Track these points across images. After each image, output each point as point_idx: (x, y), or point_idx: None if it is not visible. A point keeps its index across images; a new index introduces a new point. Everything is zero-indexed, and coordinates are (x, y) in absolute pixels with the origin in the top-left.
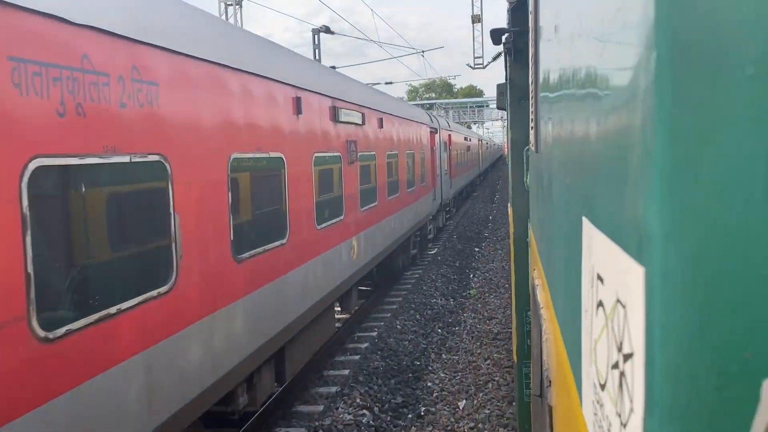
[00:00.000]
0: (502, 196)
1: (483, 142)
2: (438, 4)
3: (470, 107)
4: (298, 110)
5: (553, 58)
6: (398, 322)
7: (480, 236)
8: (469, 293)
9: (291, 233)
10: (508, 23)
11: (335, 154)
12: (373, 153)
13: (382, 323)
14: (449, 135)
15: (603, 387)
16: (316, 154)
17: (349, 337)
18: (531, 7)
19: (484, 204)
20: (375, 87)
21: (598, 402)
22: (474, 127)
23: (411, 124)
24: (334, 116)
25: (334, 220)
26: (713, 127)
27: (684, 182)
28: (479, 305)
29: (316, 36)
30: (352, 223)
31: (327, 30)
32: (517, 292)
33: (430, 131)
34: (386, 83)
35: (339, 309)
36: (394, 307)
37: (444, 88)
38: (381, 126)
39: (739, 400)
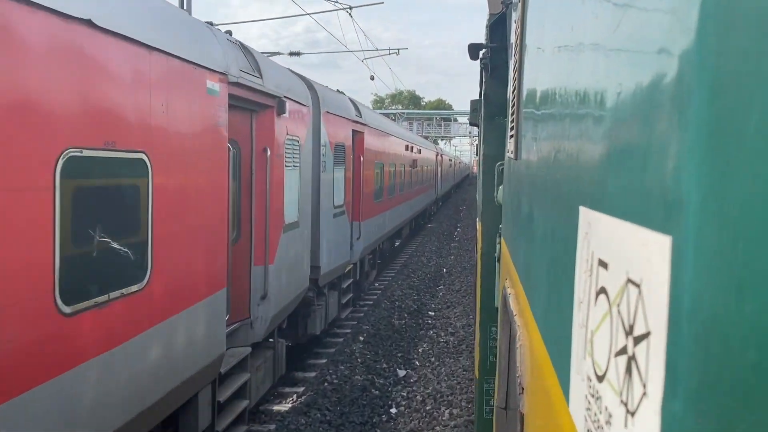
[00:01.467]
0: (466, 231)
1: (443, 157)
2: (412, 24)
3: (437, 119)
4: None
5: (547, 48)
6: None
7: (419, 324)
8: None
9: None
10: (486, 39)
11: None
12: None
13: None
14: (358, 133)
15: (601, 378)
16: None
17: None
18: (518, 14)
19: (438, 243)
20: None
21: (592, 396)
22: (441, 143)
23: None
24: None
25: None
26: (763, 76)
27: (726, 138)
28: None
29: None
30: None
31: None
32: (483, 307)
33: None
34: (290, 54)
35: None
36: None
37: (411, 100)
38: None
39: None
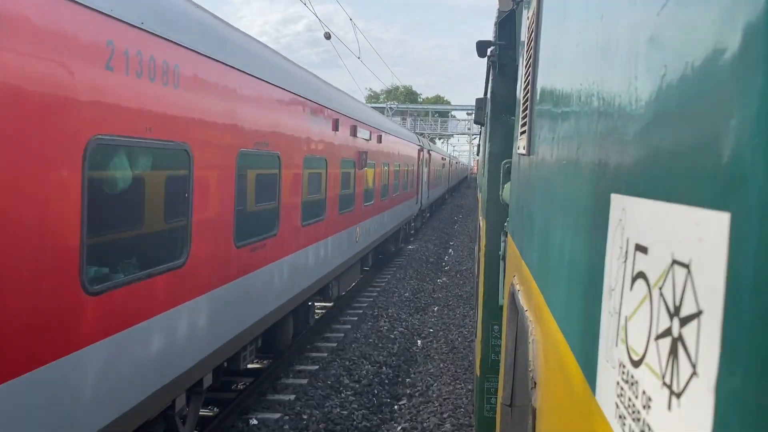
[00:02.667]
0: (462, 253)
1: (431, 154)
2: (413, 24)
3: (432, 114)
4: None
5: (568, 41)
6: None
7: None
8: None
9: None
10: (494, 37)
11: None
12: None
13: None
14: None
15: (637, 363)
16: None
17: None
18: (532, 10)
19: (417, 282)
20: None
21: (625, 381)
22: (439, 143)
23: None
24: None
25: None
26: None
27: None
28: None
29: None
30: None
31: None
32: (485, 304)
33: None
34: None
35: None
36: None
37: (408, 96)
38: None
39: None
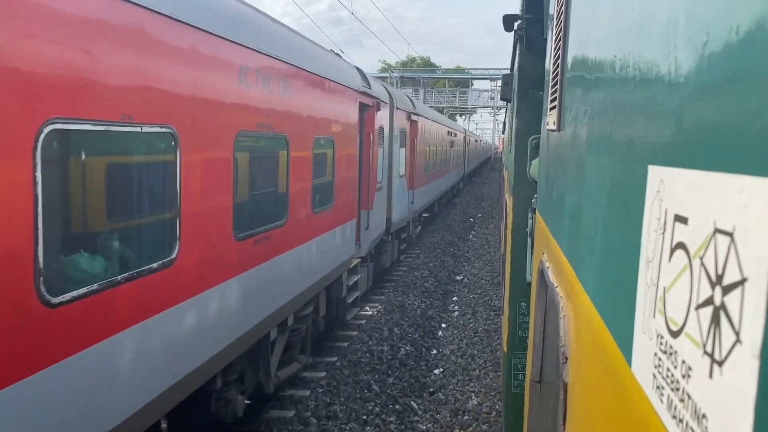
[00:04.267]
0: (478, 316)
1: (416, 123)
2: (436, 1)
3: (449, 84)
4: None
5: (604, 9)
6: None
7: None
8: None
9: None
10: (521, 10)
11: None
12: None
13: None
14: None
15: (676, 333)
16: None
17: None
18: None
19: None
20: None
21: (663, 352)
22: (460, 120)
23: None
24: None
25: None
26: None
27: None
28: None
29: None
30: None
31: None
32: (512, 281)
33: None
34: None
35: None
36: None
37: (425, 67)
38: None
39: None
